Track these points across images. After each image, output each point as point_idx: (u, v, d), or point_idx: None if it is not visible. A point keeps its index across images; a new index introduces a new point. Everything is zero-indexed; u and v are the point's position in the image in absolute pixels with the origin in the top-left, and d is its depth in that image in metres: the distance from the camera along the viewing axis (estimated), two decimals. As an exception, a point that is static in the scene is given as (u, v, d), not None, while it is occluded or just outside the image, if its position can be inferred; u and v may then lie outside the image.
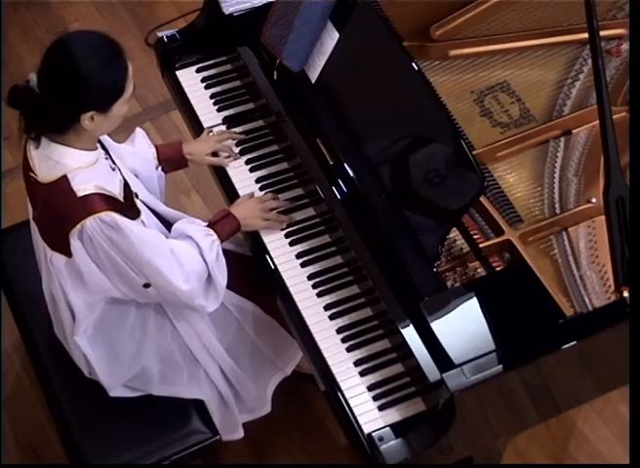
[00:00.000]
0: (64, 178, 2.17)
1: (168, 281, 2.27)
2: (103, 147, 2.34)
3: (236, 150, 2.63)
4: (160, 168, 2.58)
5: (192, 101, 2.75)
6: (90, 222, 2.16)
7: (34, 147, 2.21)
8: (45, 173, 2.20)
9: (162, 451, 2.49)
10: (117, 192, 2.23)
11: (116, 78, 2.15)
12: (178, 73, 2.80)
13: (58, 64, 2.12)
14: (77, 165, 2.18)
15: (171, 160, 2.59)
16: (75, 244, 2.20)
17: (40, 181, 2.20)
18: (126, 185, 2.29)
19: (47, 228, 2.29)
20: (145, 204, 2.39)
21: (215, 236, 2.37)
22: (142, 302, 2.39)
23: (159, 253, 2.25)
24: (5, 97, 2.18)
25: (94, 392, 2.49)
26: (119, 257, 2.22)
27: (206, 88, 2.77)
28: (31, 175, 2.22)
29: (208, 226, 2.40)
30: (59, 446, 2.61)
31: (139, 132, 2.60)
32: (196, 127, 2.72)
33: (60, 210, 2.18)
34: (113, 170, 2.29)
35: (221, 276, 2.37)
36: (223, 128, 2.69)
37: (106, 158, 2.29)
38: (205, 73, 2.80)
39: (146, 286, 2.30)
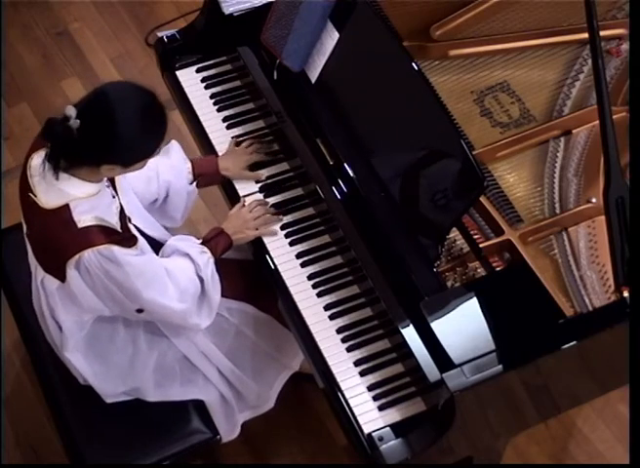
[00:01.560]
0: (66, 207, 2.16)
1: (162, 306, 2.28)
2: None
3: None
4: (195, 183, 2.57)
5: (192, 101, 2.75)
6: (88, 254, 2.16)
7: (53, 177, 2.16)
8: (46, 198, 2.18)
9: (162, 451, 2.49)
10: (115, 221, 2.23)
11: (153, 145, 2.15)
12: (178, 73, 2.80)
13: (100, 118, 2.09)
14: (80, 195, 2.17)
15: (206, 175, 2.58)
16: (72, 273, 2.20)
17: (40, 205, 2.19)
18: (122, 212, 2.29)
19: (42, 252, 2.28)
20: (137, 227, 2.36)
21: (209, 253, 2.38)
22: (133, 320, 2.40)
23: (154, 280, 2.25)
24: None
25: (93, 392, 2.49)
26: (115, 287, 2.23)
27: (206, 88, 2.77)
28: (30, 195, 2.20)
29: (202, 244, 2.41)
30: (58, 445, 2.61)
31: (175, 144, 2.58)
32: (196, 127, 2.72)
33: (60, 238, 2.18)
34: (113, 197, 2.28)
35: (216, 292, 2.38)
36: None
37: (108, 186, 2.28)
38: (205, 73, 2.80)
39: (139, 311, 2.31)
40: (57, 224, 2.17)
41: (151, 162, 2.47)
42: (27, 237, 2.33)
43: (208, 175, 2.58)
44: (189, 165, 2.56)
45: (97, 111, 2.10)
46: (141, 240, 2.32)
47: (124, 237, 2.24)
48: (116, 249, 2.18)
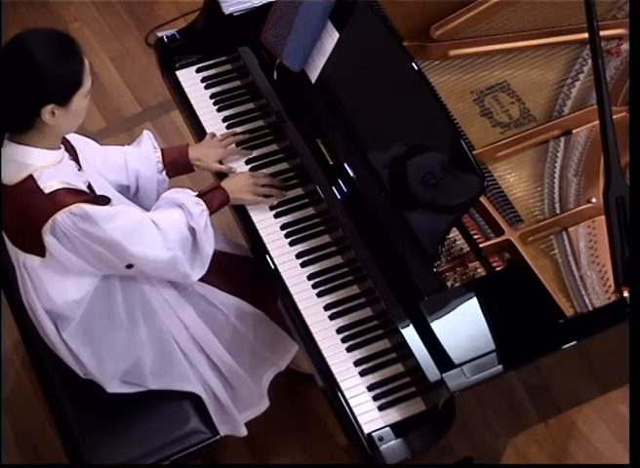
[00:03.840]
0: (30, 178, 2.17)
1: (148, 255, 2.27)
2: (74, 152, 2.34)
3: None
4: (165, 172, 2.57)
5: (192, 101, 2.75)
6: (61, 217, 2.16)
7: (8, 153, 2.18)
8: (10, 175, 2.19)
9: (162, 451, 2.49)
10: (84, 189, 2.23)
11: (72, 69, 2.15)
12: (178, 73, 2.80)
13: (13, 60, 2.12)
14: (42, 163, 2.18)
15: (175, 164, 2.58)
16: (49, 240, 2.20)
17: (6, 184, 2.19)
18: (90, 187, 2.29)
19: (17, 230, 2.29)
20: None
21: (204, 206, 2.38)
22: (127, 288, 2.40)
23: (134, 230, 2.25)
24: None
25: (94, 392, 2.49)
26: (97, 246, 2.22)
27: (206, 88, 2.77)
28: None
29: (197, 196, 2.41)
30: (59, 445, 2.61)
31: (145, 133, 2.59)
32: (196, 127, 2.72)
33: (29, 208, 2.18)
34: (79, 170, 2.29)
35: (209, 243, 2.37)
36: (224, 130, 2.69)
37: (72, 159, 2.29)
38: (205, 73, 2.80)
39: (129, 266, 2.30)
40: (24, 197, 2.18)
41: (120, 150, 2.51)
42: (3, 228, 2.33)
43: (178, 163, 2.58)
44: (159, 153, 2.56)
45: (8, 56, 2.13)
46: (116, 200, 2.32)
47: (94, 197, 2.24)
48: (86, 206, 2.17)
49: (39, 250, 2.24)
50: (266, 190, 2.51)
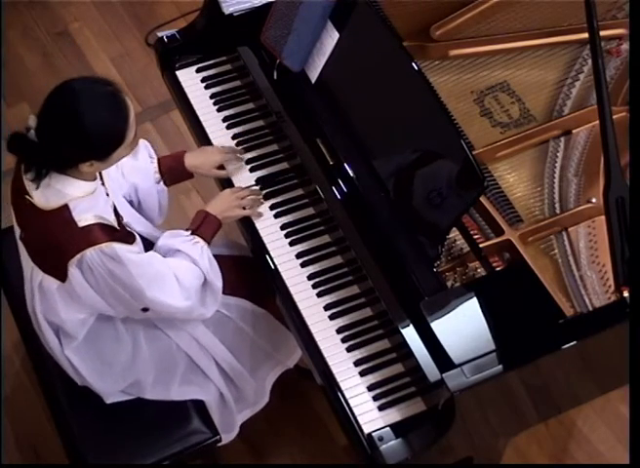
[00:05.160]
0: (66, 208, 2.17)
1: (167, 305, 2.29)
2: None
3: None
4: (162, 182, 2.56)
5: (192, 101, 2.75)
6: (91, 253, 2.17)
7: (35, 186, 2.18)
8: (44, 199, 2.18)
9: (162, 451, 2.49)
10: (112, 219, 2.23)
11: (117, 130, 2.13)
12: (178, 73, 2.80)
13: (58, 116, 2.11)
14: (78, 194, 2.18)
15: (172, 172, 2.56)
16: (74, 272, 2.20)
17: (38, 206, 2.19)
18: (115, 210, 2.29)
19: (42, 253, 2.28)
20: (128, 226, 2.37)
21: (201, 241, 2.38)
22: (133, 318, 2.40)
23: (157, 279, 2.26)
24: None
25: (94, 392, 2.49)
26: (119, 287, 2.23)
27: (206, 88, 2.77)
28: (27, 197, 2.20)
29: (191, 234, 2.40)
30: (59, 446, 2.61)
31: (142, 144, 2.56)
32: (196, 127, 2.72)
33: (61, 238, 2.18)
34: (107, 195, 2.29)
35: (217, 279, 2.38)
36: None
37: (102, 184, 2.29)
38: (205, 73, 2.80)
39: (145, 310, 2.32)
40: (57, 225, 2.18)
41: (117, 164, 2.47)
42: (22, 240, 2.32)
43: (174, 172, 2.57)
44: (156, 163, 2.55)
45: (54, 110, 2.11)
46: (137, 237, 2.32)
47: (123, 234, 2.24)
48: (117, 246, 2.18)
49: (60, 275, 2.24)
50: (250, 201, 2.50)
